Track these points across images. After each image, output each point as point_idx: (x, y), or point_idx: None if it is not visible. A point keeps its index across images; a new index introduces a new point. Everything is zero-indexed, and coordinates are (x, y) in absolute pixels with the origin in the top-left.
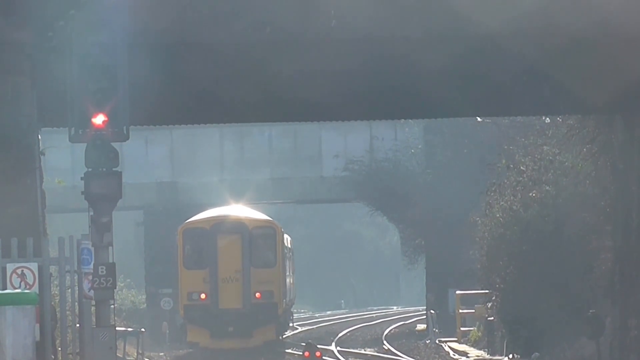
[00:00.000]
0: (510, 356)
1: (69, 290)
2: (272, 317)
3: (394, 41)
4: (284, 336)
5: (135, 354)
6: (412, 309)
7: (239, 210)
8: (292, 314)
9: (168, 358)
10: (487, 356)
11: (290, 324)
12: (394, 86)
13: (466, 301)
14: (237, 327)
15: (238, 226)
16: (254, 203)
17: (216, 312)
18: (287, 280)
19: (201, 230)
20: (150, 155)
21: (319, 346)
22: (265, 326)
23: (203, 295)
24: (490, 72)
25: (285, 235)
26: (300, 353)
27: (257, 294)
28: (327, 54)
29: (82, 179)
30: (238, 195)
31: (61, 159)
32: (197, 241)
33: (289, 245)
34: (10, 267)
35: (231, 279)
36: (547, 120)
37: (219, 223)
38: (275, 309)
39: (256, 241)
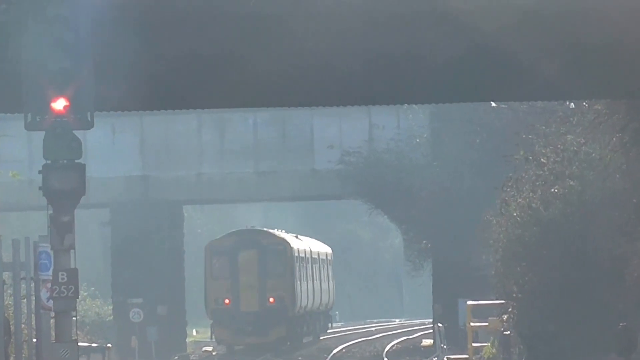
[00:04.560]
0: None
1: (25, 300)
2: (283, 318)
3: (396, 17)
4: (321, 337)
5: None
6: (417, 321)
7: (256, 230)
8: (330, 317)
9: None
10: None
11: (330, 325)
12: (396, 67)
13: (478, 313)
14: (255, 326)
15: (255, 243)
16: (235, 202)
17: (238, 314)
18: (299, 287)
19: (225, 247)
20: (118, 146)
21: None
22: (278, 326)
23: (227, 301)
24: (507, 52)
25: (314, 247)
26: None
27: (271, 299)
28: (320, 29)
29: (40, 172)
30: (218, 190)
31: (16, 150)
32: (222, 256)
33: (316, 256)
34: None
35: (250, 287)
36: (572, 105)
37: (239, 241)
38: (286, 311)
39: (270, 256)
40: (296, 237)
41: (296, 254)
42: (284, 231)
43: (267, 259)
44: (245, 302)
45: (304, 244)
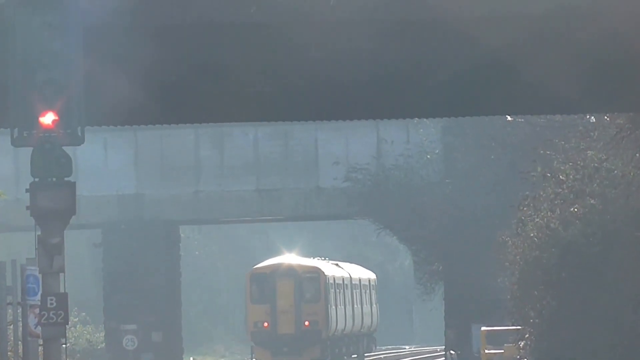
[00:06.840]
0: None
1: (11, 326)
2: (317, 340)
3: (405, 26)
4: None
5: None
6: (429, 348)
7: (292, 258)
8: (374, 340)
9: None
10: None
11: (374, 347)
12: (406, 78)
13: (493, 339)
14: (291, 347)
15: (291, 271)
16: (235, 222)
17: (275, 336)
18: (334, 311)
19: (264, 275)
20: (111, 162)
21: None
22: (312, 347)
23: (266, 324)
24: (522, 62)
25: (355, 274)
26: None
27: (306, 323)
28: (324, 38)
29: (27, 190)
30: (216, 209)
31: (2, 167)
32: (261, 283)
33: (356, 282)
34: None
35: (287, 311)
36: (592, 119)
37: (276, 269)
38: (320, 334)
39: (305, 282)
40: (337, 264)
41: (331, 281)
42: (327, 259)
43: (303, 286)
44: (282, 325)
45: (341, 271)
